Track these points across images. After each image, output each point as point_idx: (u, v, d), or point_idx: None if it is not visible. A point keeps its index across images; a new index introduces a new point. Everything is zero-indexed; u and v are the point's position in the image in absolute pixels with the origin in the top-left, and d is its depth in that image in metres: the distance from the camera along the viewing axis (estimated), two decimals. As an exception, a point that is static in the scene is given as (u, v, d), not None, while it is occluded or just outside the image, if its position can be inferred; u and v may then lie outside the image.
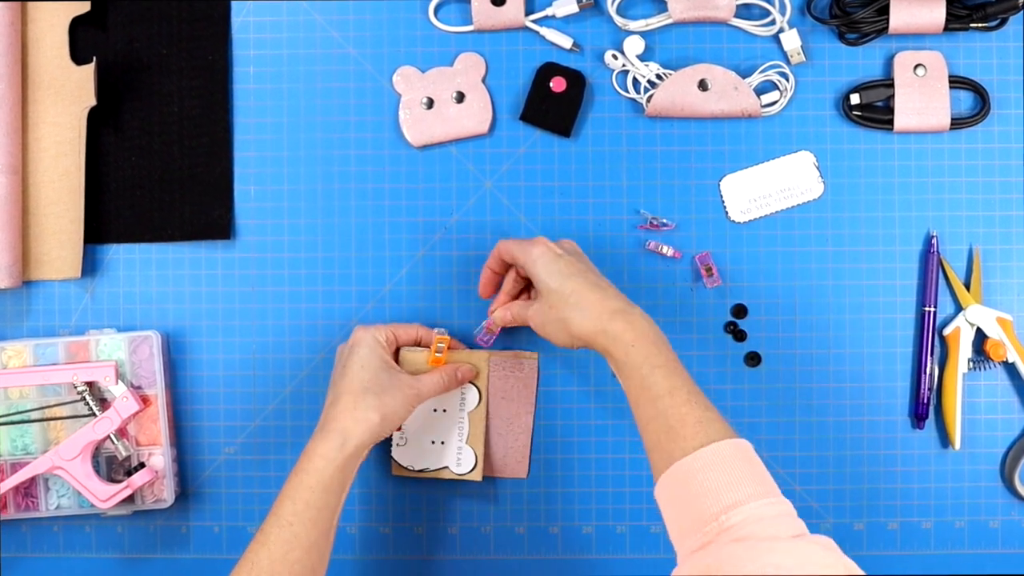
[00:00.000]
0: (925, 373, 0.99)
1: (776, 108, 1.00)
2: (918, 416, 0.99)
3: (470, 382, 0.99)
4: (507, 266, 0.96)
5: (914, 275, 1.01)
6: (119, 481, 0.96)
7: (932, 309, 0.99)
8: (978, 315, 0.99)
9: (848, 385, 1.00)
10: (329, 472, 0.86)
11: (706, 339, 1.00)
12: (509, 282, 0.96)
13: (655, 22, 1.00)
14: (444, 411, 0.99)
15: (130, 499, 0.97)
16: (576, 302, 0.87)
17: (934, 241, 1.00)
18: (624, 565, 1.00)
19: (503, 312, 0.95)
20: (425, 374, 0.94)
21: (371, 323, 0.97)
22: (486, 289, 0.97)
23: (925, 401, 0.99)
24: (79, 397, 0.97)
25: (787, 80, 1.00)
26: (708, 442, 0.78)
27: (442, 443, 0.99)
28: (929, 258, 1.00)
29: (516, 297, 0.97)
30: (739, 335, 1.00)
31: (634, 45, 1.00)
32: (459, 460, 0.98)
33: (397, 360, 0.96)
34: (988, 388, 1.01)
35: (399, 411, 0.90)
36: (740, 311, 1.01)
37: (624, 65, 1.00)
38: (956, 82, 1.00)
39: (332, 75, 1.01)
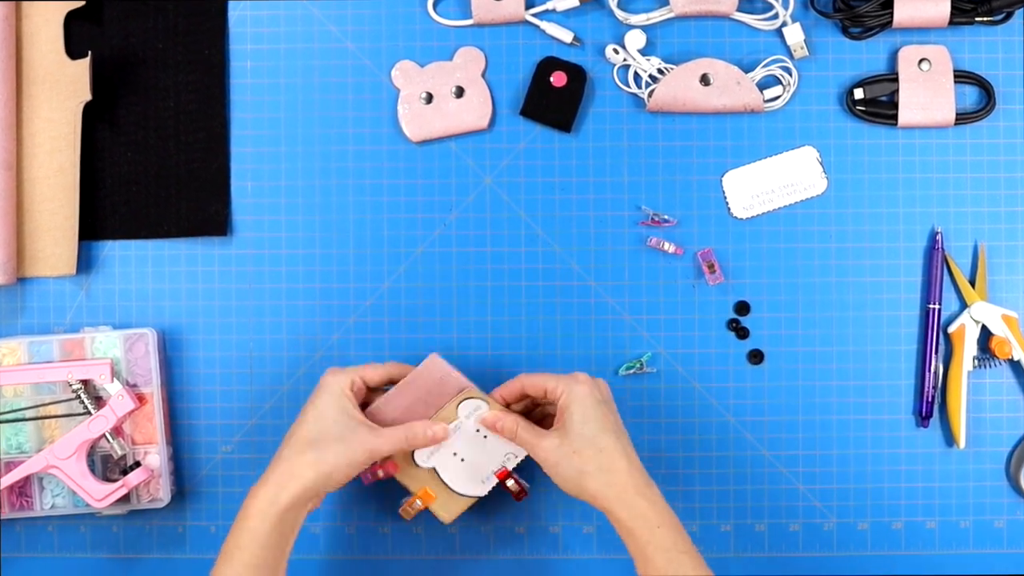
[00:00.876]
0: (929, 371, 0.98)
1: (779, 103, 1.00)
2: (922, 415, 0.99)
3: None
4: (520, 398, 0.92)
5: (918, 272, 1.00)
6: (114, 480, 0.96)
7: (937, 306, 0.99)
8: (983, 312, 0.98)
9: (852, 383, 0.99)
10: (264, 530, 0.83)
11: (708, 337, 1.00)
12: (508, 392, 0.91)
13: (657, 16, 1.00)
14: (485, 437, 0.93)
15: (126, 498, 0.96)
16: (604, 464, 0.84)
17: (939, 237, 0.99)
18: (625, 565, 0.95)
19: (501, 420, 0.89)
20: (388, 429, 0.88)
21: (383, 360, 0.94)
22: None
23: (929, 400, 0.98)
24: (74, 395, 0.96)
25: (790, 75, 1.00)
26: None
27: (461, 460, 0.93)
28: (933, 255, 0.99)
29: (522, 413, 0.92)
30: (741, 332, 1.00)
31: (635, 39, 0.99)
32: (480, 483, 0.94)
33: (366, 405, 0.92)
34: (993, 386, 1.00)
35: (342, 469, 0.85)
36: (743, 308, 1.00)
37: (625, 59, 1.00)
38: (961, 77, 0.99)
39: (330, 70, 1.01)
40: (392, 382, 0.93)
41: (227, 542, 0.84)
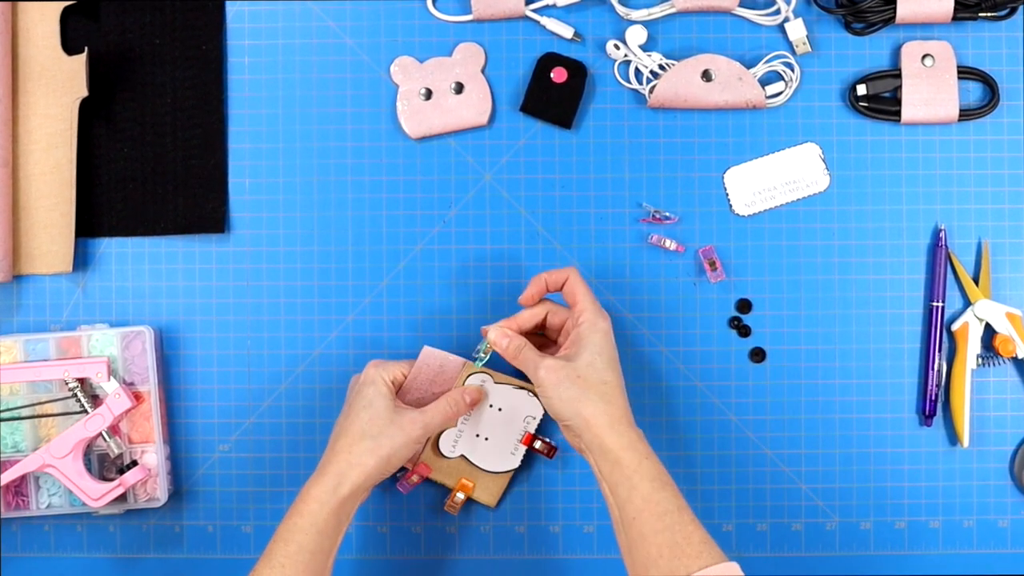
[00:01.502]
0: (933, 369, 0.98)
1: (781, 99, 0.99)
2: (926, 413, 0.98)
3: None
4: (544, 294, 0.93)
5: (922, 269, 1.00)
6: (111, 479, 0.95)
7: (940, 304, 0.98)
8: (987, 310, 0.97)
9: (854, 382, 0.99)
10: (323, 515, 0.86)
11: (710, 335, 0.99)
12: (531, 316, 0.93)
13: (658, 11, 0.99)
14: (500, 410, 0.97)
15: (122, 498, 0.96)
16: (605, 394, 0.86)
17: (942, 235, 0.98)
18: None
19: (503, 337, 0.91)
20: (430, 405, 0.92)
21: (382, 358, 0.95)
22: (530, 299, 0.93)
23: (933, 398, 0.98)
24: (70, 394, 0.96)
25: (792, 70, 0.99)
26: (713, 563, 0.81)
27: (485, 439, 0.97)
28: (937, 252, 0.98)
29: (526, 335, 0.93)
30: (743, 331, 0.99)
31: (636, 35, 0.99)
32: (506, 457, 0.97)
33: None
34: (997, 385, 0.99)
35: (400, 452, 0.89)
36: (744, 306, 0.99)
37: (626, 55, 0.99)
38: (965, 73, 0.99)
39: (328, 66, 1.00)
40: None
41: (282, 527, 0.86)
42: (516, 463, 0.96)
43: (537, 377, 0.88)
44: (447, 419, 0.92)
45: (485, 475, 0.96)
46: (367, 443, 0.88)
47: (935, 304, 0.98)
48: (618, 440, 0.85)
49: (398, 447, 0.88)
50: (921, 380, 0.99)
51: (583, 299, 0.90)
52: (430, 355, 0.96)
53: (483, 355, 0.93)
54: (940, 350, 0.98)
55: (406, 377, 0.94)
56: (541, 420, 0.96)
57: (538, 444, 0.97)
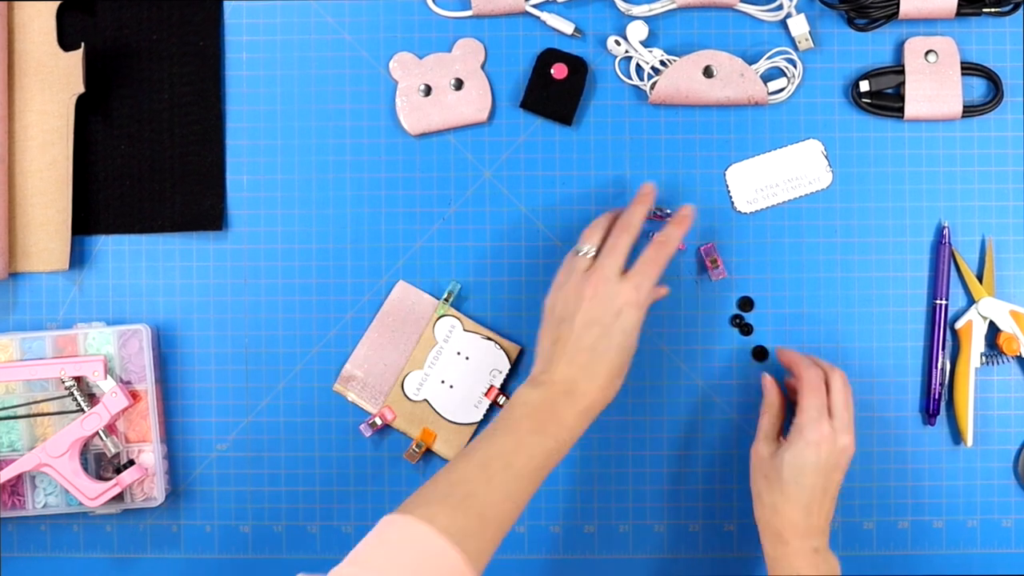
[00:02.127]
0: (936, 368, 0.97)
1: (783, 95, 0.99)
2: (929, 412, 0.97)
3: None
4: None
5: (925, 267, 0.99)
6: (108, 479, 0.95)
7: (944, 302, 0.97)
8: (991, 308, 0.97)
9: (857, 380, 0.98)
10: (568, 442, 0.84)
11: (711, 333, 0.99)
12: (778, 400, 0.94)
13: (659, 7, 0.99)
14: (467, 359, 0.97)
15: (119, 497, 0.96)
16: (778, 503, 0.87)
17: (946, 232, 0.98)
18: (627, 565, 0.99)
19: (773, 390, 0.93)
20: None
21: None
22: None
23: (936, 397, 0.97)
24: (67, 392, 0.96)
25: (795, 67, 0.99)
26: None
27: (450, 387, 0.97)
28: (940, 249, 0.98)
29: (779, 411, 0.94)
30: (745, 329, 0.99)
31: (637, 31, 0.98)
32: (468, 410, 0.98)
33: None
34: (1001, 383, 0.99)
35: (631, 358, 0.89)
36: (746, 304, 0.99)
37: (627, 51, 0.99)
38: (968, 69, 0.98)
39: (327, 61, 1.00)
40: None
41: (538, 426, 0.84)
42: (479, 416, 0.97)
43: (757, 455, 0.91)
44: (661, 271, 0.89)
45: (448, 426, 0.97)
46: (620, 381, 0.87)
47: (938, 302, 0.97)
48: (770, 551, 0.87)
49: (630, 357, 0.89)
50: (924, 379, 0.98)
51: (809, 406, 0.90)
52: (404, 292, 0.97)
53: (447, 294, 0.95)
54: (943, 348, 0.97)
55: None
56: (507, 375, 0.97)
57: (502, 400, 0.97)
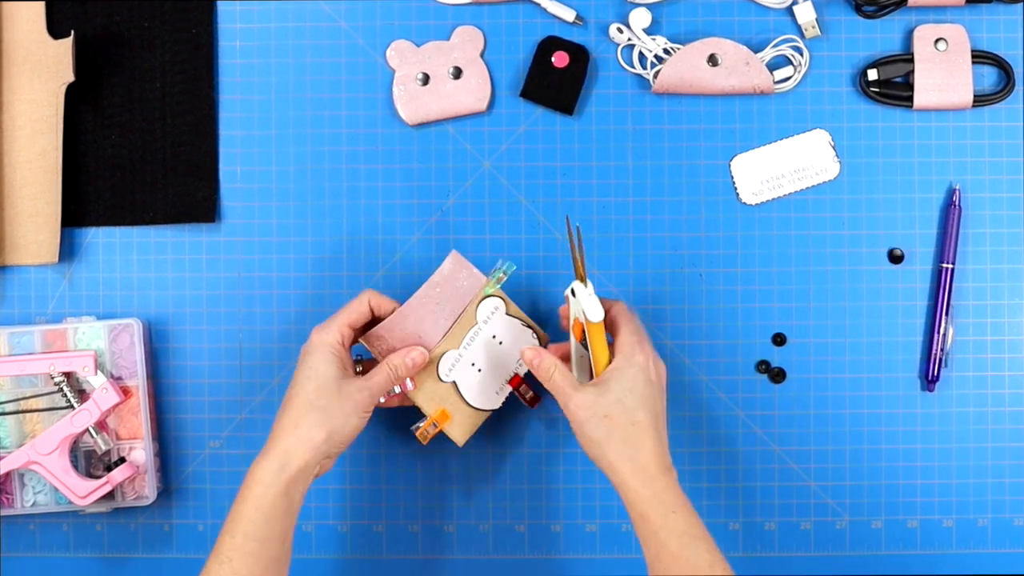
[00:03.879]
0: (938, 333, 0.96)
1: (790, 84, 0.98)
2: (928, 378, 0.97)
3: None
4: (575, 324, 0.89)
5: (934, 260, 0.99)
6: (98, 477, 0.95)
7: (950, 266, 0.97)
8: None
9: (865, 376, 0.98)
10: (268, 499, 0.82)
11: (715, 327, 0.98)
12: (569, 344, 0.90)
13: (662, -6, 0.99)
14: (500, 343, 0.93)
15: (110, 496, 0.95)
16: (631, 437, 0.82)
17: (956, 193, 0.97)
18: (629, 564, 0.98)
19: (536, 356, 0.87)
20: (374, 370, 0.88)
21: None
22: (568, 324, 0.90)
23: (937, 362, 0.96)
24: (56, 388, 0.95)
25: (801, 55, 0.98)
26: None
27: (479, 370, 0.93)
28: (950, 211, 0.97)
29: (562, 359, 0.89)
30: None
31: (640, 18, 0.98)
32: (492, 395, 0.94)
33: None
34: (1012, 380, 0.98)
35: (350, 421, 0.85)
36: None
37: (630, 39, 0.98)
38: (979, 57, 0.98)
39: (322, 50, 0.99)
40: (378, 317, 0.90)
41: (229, 516, 0.83)
42: (497, 404, 0.93)
43: (568, 410, 0.84)
44: (391, 385, 0.88)
45: (464, 409, 0.93)
46: (315, 415, 0.83)
47: (944, 266, 0.97)
48: (642, 491, 0.81)
49: (348, 415, 0.84)
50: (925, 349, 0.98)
51: (623, 330, 0.86)
52: (456, 264, 0.91)
53: (501, 275, 0.91)
54: (947, 314, 0.96)
55: (355, 330, 0.88)
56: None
57: (523, 389, 0.94)
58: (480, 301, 0.92)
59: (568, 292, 0.87)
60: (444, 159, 0.99)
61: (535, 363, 0.87)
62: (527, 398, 0.95)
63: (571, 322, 0.89)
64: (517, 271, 0.97)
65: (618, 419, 0.82)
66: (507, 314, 0.93)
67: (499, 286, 0.92)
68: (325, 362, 0.85)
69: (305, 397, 0.84)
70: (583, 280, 0.86)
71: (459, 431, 0.93)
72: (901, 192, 0.98)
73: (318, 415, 0.84)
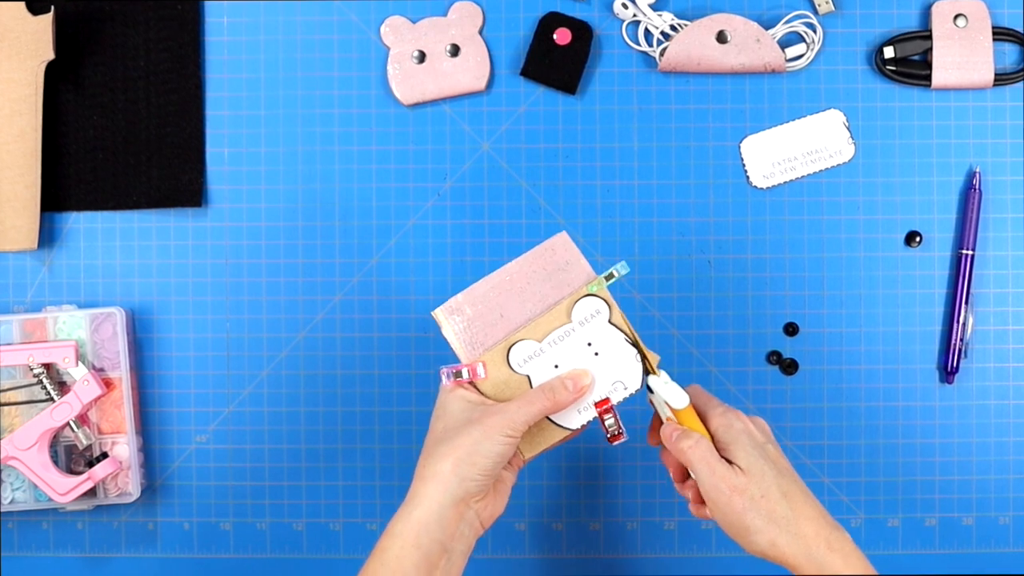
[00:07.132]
0: (957, 322, 0.95)
1: (802, 62, 0.97)
2: (948, 370, 0.95)
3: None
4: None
5: (952, 246, 0.97)
6: (79, 473, 0.94)
7: (970, 252, 0.95)
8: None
9: (881, 367, 0.96)
10: (396, 553, 0.74)
11: (725, 316, 0.97)
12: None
13: (669, -33, 0.98)
14: (596, 354, 0.80)
15: (92, 492, 0.95)
16: (785, 514, 0.75)
17: (976, 176, 0.96)
18: (633, 564, 0.97)
19: (684, 435, 0.77)
20: (520, 396, 0.78)
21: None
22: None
23: (956, 352, 0.95)
24: (35, 380, 0.94)
25: (814, 31, 0.97)
26: None
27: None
28: (970, 195, 0.95)
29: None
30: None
31: (646, -7, 0.97)
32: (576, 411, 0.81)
33: None
34: (1017, 370, 0.98)
35: (482, 446, 0.75)
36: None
37: (635, 15, 0.97)
38: (1000, 34, 0.96)
39: (314, 26, 0.98)
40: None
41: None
42: (576, 425, 0.80)
43: (717, 498, 0.76)
44: (542, 414, 0.77)
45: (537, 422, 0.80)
46: (442, 448, 0.75)
47: (964, 252, 0.95)
48: (817, 572, 0.74)
49: (479, 440, 0.75)
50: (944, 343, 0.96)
51: (707, 407, 0.79)
52: (563, 246, 0.81)
53: (613, 273, 0.80)
54: (967, 302, 0.95)
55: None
56: (632, 394, 0.80)
57: (609, 420, 0.79)
58: (579, 298, 0.80)
59: (646, 390, 0.80)
60: (441, 141, 0.98)
61: (674, 437, 0.78)
62: (611, 432, 0.80)
63: (663, 420, 0.81)
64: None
65: (772, 494, 0.75)
66: (609, 322, 0.80)
67: (606, 285, 0.81)
68: (454, 396, 0.79)
69: (434, 436, 0.77)
70: (654, 372, 0.79)
71: (528, 444, 0.80)
72: (919, 175, 0.97)
73: (443, 447, 0.76)
